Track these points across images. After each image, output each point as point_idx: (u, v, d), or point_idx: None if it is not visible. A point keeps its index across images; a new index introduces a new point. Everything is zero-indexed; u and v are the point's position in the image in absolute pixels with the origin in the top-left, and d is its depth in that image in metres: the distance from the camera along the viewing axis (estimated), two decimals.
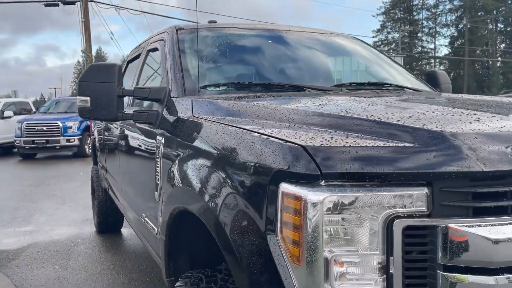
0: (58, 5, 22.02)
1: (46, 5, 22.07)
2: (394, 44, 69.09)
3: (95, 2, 22.21)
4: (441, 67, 77.14)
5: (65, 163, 12.00)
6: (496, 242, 1.09)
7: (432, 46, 78.16)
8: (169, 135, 2.07)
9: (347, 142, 1.22)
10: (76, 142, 12.83)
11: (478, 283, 1.10)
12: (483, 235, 1.09)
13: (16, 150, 13.54)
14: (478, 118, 1.41)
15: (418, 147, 1.19)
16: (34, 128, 12.62)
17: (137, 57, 3.57)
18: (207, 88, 2.29)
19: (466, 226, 1.10)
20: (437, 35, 76.64)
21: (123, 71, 2.71)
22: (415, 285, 1.13)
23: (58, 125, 12.55)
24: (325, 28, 3.48)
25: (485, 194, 1.14)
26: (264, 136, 1.35)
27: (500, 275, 1.10)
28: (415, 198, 1.11)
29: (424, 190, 1.11)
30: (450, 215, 1.12)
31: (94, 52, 25.04)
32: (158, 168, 2.13)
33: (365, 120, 1.39)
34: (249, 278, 1.27)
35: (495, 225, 1.11)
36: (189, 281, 1.67)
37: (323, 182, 1.13)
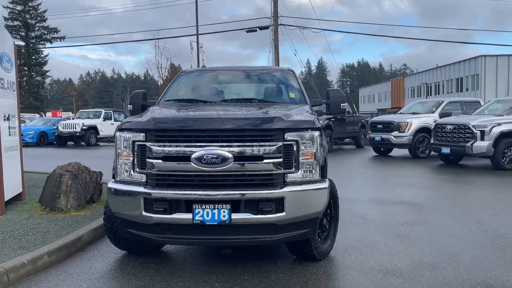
0: (256, 30, 27.19)
1: (247, 32, 27.51)
2: None
3: (283, 25, 26.55)
4: None
5: None
6: (160, 152, 3.54)
7: None
8: None
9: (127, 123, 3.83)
10: None
11: (156, 162, 3.57)
12: (155, 148, 3.56)
13: None
14: (198, 114, 3.77)
15: (139, 121, 3.71)
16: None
17: None
18: (168, 101, 5.00)
19: (153, 146, 3.59)
20: None
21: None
22: (141, 165, 3.66)
23: None
24: None
25: (159, 135, 3.60)
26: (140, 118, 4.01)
27: (159, 160, 3.55)
28: (141, 136, 3.66)
29: (143, 133, 3.64)
30: (151, 141, 3.62)
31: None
32: None
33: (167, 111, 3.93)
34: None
35: (164, 146, 3.56)
36: None
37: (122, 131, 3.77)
